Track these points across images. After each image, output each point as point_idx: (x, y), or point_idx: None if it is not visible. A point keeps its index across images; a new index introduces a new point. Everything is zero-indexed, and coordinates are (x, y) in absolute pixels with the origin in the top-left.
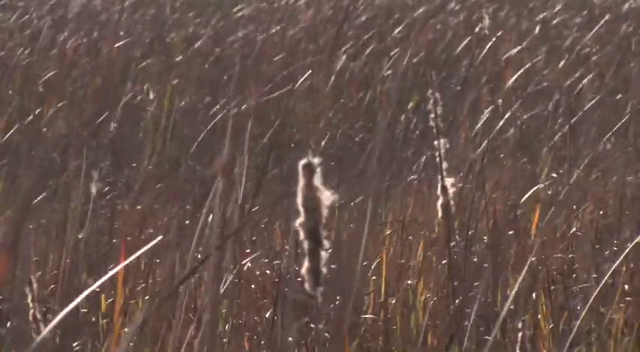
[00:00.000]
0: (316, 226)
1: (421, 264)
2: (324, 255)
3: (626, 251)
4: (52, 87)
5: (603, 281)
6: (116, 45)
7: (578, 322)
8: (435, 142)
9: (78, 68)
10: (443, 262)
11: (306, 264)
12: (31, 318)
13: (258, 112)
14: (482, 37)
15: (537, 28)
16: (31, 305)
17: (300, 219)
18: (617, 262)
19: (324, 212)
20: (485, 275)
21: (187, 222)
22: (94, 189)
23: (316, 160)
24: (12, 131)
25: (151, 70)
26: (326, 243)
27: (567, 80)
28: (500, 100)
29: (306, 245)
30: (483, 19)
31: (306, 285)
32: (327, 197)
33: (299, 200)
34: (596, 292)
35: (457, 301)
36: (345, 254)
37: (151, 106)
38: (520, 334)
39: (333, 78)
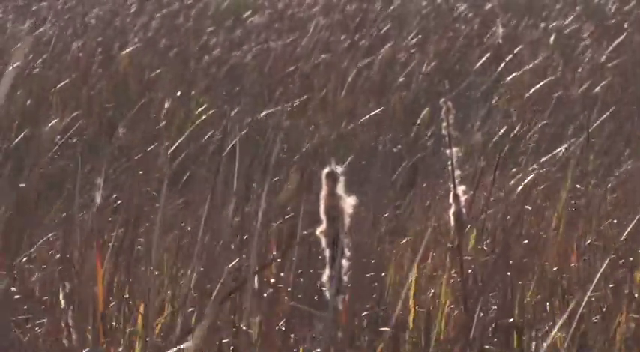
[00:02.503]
0: (338, 234)
1: (436, 274)
2: (345, 263)
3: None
4: (66, 94)
5: (585, 288)
6: (127, 51)
7: (577, 328)
8: (448, 151)
9: (92, 76)
10: (453, 272)
11: (327, 272)
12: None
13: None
14: (496, 47)
15: (552, 38)
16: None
17: (322, 227)
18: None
19: (347, 220)
20: (498, 283)
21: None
22: (98, 198)
23: (339, 169)
24: (19, 137)
25: (165, 77)
26: (347, 252)
27: (581, 89)
28: (513, 110)
29: (327, 253)
30: (497, 27)
31: (327, 293)
32: (349, 205)
33: (321, 208)
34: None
35: (471, 310)
36: (367, 265)
37: (164, 114)
38: (534, 343)
39: (346, 87)
